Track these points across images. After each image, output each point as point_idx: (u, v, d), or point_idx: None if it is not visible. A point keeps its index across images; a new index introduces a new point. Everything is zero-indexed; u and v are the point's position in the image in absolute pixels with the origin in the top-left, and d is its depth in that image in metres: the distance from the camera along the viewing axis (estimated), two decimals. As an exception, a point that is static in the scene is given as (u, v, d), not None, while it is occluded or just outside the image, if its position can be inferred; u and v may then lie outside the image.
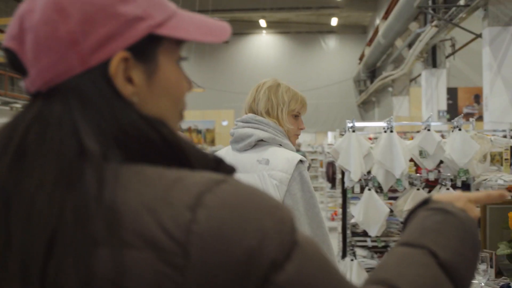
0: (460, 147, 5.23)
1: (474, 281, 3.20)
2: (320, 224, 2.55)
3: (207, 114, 25.64)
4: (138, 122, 0.85)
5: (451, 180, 5.32)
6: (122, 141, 0.84)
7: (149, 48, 0.90)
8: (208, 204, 0.78)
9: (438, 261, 0.96)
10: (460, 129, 5.27)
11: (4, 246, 0.78)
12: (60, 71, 0.85)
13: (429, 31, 13.72)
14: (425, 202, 1.08)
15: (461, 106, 19.55)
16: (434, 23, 13.31)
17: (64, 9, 0.84)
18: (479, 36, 12.15)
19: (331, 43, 30.05)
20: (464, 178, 5.34)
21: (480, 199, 1.13)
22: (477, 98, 19.89)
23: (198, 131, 25.46)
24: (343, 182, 5.59)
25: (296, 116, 2.80)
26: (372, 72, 25.59)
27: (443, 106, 16.49)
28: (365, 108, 28.60)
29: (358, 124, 5.39)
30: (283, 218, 0.81)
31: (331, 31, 29.69)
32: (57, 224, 0.77)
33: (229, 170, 0.90)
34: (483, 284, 3.02)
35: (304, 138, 25.18)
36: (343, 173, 5.57)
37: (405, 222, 1.08)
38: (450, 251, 0.98)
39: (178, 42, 0.95)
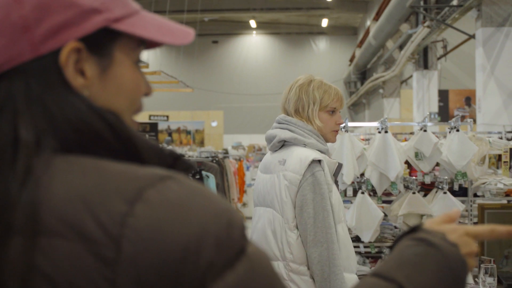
0: (458, 148, 5.01)
1: (479, 294, 2.97)
2: (327, 229, 2.51)
3: (197, 114, 25.38)
4: (86, 113, 0.82)
5: (448, 183, 5.10)
6: (64, 132, 0.81)
7: (105, 42, 0.87)
8: (149, 199, 0.75)
9: None
10: (458, 130, 5.05)
11: None
12: (10, 56, 0.82)
13: (421, 31, 13.54)
14: (413, 230, 1.01)
15: (452, 108, 19.41)
16: (426, 23, 13.13)
17: None
18: (472, 37, 11.98)
19: (321, 44, 29.85)
20: (461, 181, 5.12)
21: (482, 234, 1.03)
22: (468, 101, 19.76)
23: (187, 132, 25.22)
24: (335, 182, 5.36)
25: (333, 112, 2.75)
26: (363, 73, 25.43)
27: (434, 108, 16.33)
28: (355, 110, 28.42)
29: (350, 124, 5.16)
30: (231, 222, 0.76)
31: (321, 32, 29.50)
32: None
33: (186, 167, 0.88)
34: (488, 295, 2.80)
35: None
36: (335, 176, 5.35)
37: (391, 248, 1.02)
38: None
39: (139, 43, 0.92)
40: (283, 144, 2.73)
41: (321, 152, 2.67)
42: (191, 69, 27.55)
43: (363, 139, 7.18)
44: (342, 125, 5.08)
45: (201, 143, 24.41)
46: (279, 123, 2.77)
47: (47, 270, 0.73)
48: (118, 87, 0.89)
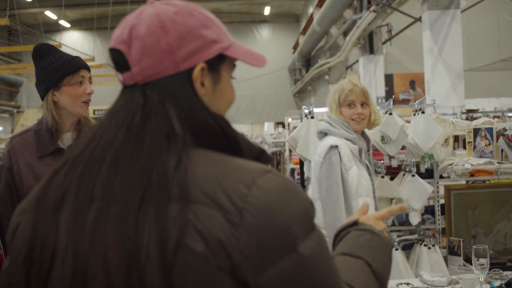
0: (424, 130, 4.98)
1: (471, 276, 2.94)
2: (334, 211, 3.12)
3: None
4: (208, 117, 1.17)
5: (415, 166, 5.07)
6: (195, 130, 1.16)
7: (218, 63, 1.23)
8: (260, 185, 1.10)
9: (371, 270, 1.28)
10: (423, 112, 5.03)
11: (109, 193, 1.12)
12: (157, 71, 1.17)
13: (367, 16, 13.59)
14: (354, 224, 1.42)
15: (397, 92, 19.65)
16: (372, 8, 13.18)
17: (166, 27, 1.18)
18: (418, 20, 12.07)
19: (264, 32, 29.81)
20: (429, 164, 5.10)
21: (385, 215, 1.50)
22: (413, 84, 20.04)
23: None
24: (302, 172, 5.27)
25: (351, 105, 3.37)
26: (307, 60, 25.49)
27: (381, 92, 16.48)
28: (301, 97, 28.50)
29: (316, 110, 5.09)
30: (309, 210, 1.15)
31: (264, 20, 29.46)
32: (147, 183, 1.09)
33: (268, 159, 1.22)
34: (482, 279, 2.75)
35: (240, 129, 24.86)
36: (301, 163, 5.26)
37: (336, 236, 1.43)
38: (379, 263, 1.31)
39: (233, 64, 1.29)
40: (325, 134, 3.42)
41: (348, 139, 3.30)
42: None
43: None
44: (307, 111, 5.01)
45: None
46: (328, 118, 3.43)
47: (196, 224, 1.07)
48: (222, 96, 1.26)
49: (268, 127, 24.75)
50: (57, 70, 2.75)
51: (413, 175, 5.00)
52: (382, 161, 5.07)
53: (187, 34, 1.19)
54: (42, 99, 2.82)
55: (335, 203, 3.12)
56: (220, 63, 1.24)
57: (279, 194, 1.11)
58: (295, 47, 26.71)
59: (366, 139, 3.52)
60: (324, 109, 6.20)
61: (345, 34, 17.07)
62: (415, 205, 4.95)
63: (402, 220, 5.30)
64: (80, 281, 1.11)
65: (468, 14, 13.95)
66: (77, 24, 28.84)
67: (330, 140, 3.25)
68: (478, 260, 2.74)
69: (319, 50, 22.68)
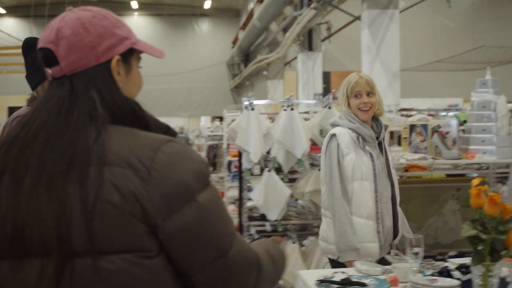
0: (361, 125, 5.07)
1: (405, 265, 3.00)
2: (332, 182, 3.58)
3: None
4: (123, 100, 1.51)
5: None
6: (113, 111, 1.47)
7: (129, 56, 1.57)
8: (164, 150, 1.43)
9: (270, 254, 1.63)
10: (361, 107, 5.11)
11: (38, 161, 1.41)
12: (82, 64, 1.48)
13: (307, 13, 13.68)
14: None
15: (334, 90, 19.83)
16: (313, 5, 13.27)
17: (87, 28, 1.49)
18: (357, 18, 12.22)
19: (204, 26, 29.67)
20: (365, 158, 5.19)
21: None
22: (349, 82, 20.24)
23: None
24: (240, 164, 5.29)
25: (357, 96, 3.61)
26: (246, 56, 25.50)
27: (319, 89, 16.60)
28: (239, 92, 28.51)
29: (256, 102, 5.11)
30: (207, 166, 1.50)
31: (204, 14, 29.32)
32: (72, 154, 1.39)
33: (173, 133, 1.55)
34: (416, 268, 2.82)
35: (176, 123, 24.76)
36: (240, 154, 5.28)
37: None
38: (275, 255, 1.67)
39: (139, 56, 1.62)
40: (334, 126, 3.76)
41: (350, 128, 3.61)
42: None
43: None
44: (247, 103, 5.03)
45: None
46: None
47: (113, 181, 1.37)
48: (134, 82, 1.60)
49: (205, 121, 24.67)
50: None
51: (350, 169, 5.08)
52: (320, 154, 5.14)
53: (104, 33, 1.50)
54: (33, 89, 3.07)
55: (331, 186, 3.58)
56: (130, 56, 1.57)
57: (179, 157, 1.44)
58: (234, 42, 26.68)
59: (380, 126, 3.74)
60: (263, 101, 6.26)
61: (284, 30, 17.13)
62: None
63: (337, 213, 5.38)
64: (19, 237, 1.37)
65: (405, 15, 14.20)
66: (13, 10, 28.12)
67: (332, 130, 3.67)
68: (412, 250, 2.80)
69: (259, 46, 22.72)
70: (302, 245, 5.83)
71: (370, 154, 3.65)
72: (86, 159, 1.38)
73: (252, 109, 4.94)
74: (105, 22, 1.52)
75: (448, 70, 15.61)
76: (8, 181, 1.42)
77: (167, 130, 1.54)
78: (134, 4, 27.42)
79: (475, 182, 2.14)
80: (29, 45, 2.98)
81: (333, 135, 3.64)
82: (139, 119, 1.50)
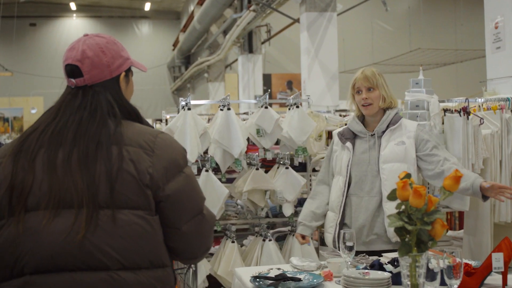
0: (298, 124, 5.12)
1: (338, 259, 3.04)
2: (319, 175, 4.02)
3: (15, 101, 24.08)
4: (128, 104, 2.14)
5: (290, 159, 5.19)
6: (123, 110, 2.10)
7: (128, 71, 2.20)
8: (160, 136, 2.08)
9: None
10: (298, 106, 5.16)
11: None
12: (101, 77, 2.09)
13: (247, 15, 13.74)
14: None
15: (274, 92, 19.97)
16: (252, 7, 13.33)
17: (104, 51, 2.10)
18: (296, 21, 12.33)
19: (144, 28, 29.43)
20: (302, 157, 5.24)
21: None
22: (290, 84, 20.43)
23: (5, 120, 23.87)
24: (178, 164, 5.27)
25: (358, 92, 3.70)
26: (187, 58, 25.43)
27: (259, 91, 16.68)
28: (180, 94, 28.31)
29: (193, 102, 5.09)
30: (184, 153, 2.13)
31: (144, 16, 29.07)
32: (98, 138, 1.98)
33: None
34: (349, 262, 2.86)
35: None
36: (177, 154, 5.26)
37: None
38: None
39: (132, 71, 2.26)
40: None
41: (350, 128, 3.79)
42: (9, 53, 26.06)
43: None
44: (184, 103, 5.00)
45: (20, 131, 23.16)
46: None
47: (129, 156, 1.96)
48: (130, 91, 2.22)
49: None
50: None
51: (286, 168, 5.12)
52: (257, 154, 5.16)
53: (115, 55, 2.13)
54: None
55: (318, 177, 4.02)
56: (129, 71, 2.22)
57: (171, 142, 2.11)
58: (175, 45, 26.56)
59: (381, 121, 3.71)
60: (200, 102, 6.26)
61: (225, 32, 17.16)
62: (289, 197, 5.06)
63: (276, 212, 5.40)
64: (56, 195, 1.92)
65: (344, 18, 14.41)
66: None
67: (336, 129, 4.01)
68: (345, 244, 2.84)
69: (199, 48, 22.69)
70: (242, 245, 5.84)
71: (349, 149, 3.71)
72: (110, 141, 1.98)
73: (189, 109, 4.92)
74: (115, 47, 2.14)
75: (386, 72, 15.78)
76: (43, 155, 1.97)
77: (151, 126, 2.29)
78: (73, 6, 27.02)
79: (402, 175, 2.18)
80: None
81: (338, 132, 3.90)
82: (138, 117, 2.14)
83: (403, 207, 2.14)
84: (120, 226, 1.92)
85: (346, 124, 3.93)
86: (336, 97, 11.32)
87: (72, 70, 2.07)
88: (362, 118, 3.78)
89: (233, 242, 5.19)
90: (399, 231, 2.10)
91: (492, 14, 6.09)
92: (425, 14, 18.59)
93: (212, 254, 5.39)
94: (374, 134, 3.69)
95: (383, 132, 3.69)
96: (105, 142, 1.97)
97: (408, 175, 2.15)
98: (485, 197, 3.44)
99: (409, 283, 2.16)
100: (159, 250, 2.04)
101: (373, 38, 18.75)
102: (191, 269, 5.08)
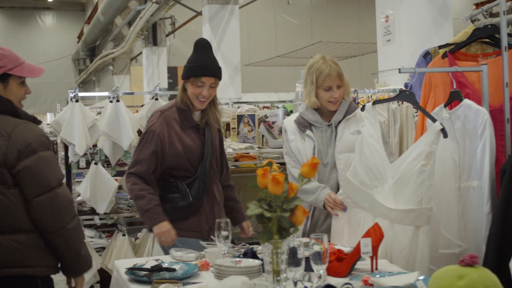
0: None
1: (215, 249, 3.05)
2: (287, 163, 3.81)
3: None
4: (5, 101, 2.81)
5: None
6: (2, 107, 2.79)
7: (5, 77, 2.84)
8: (19, 126, 2.74)
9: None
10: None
11: None
12: None
13: (150, 7, 13.60)
14: None
15: (181, 84, 19.84)
16: (155, -1, 13.21)
17: None
18: (199, 13, 12.29)
19: (47, 20, 28.59)
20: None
21: None
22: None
23: None
24: (66, 157, 5.15)
25: (328, 89, 3.55)
26: (92, 50, 24.91)
27: (164, 84, 16.55)
28: (85, 87, 27.77)
29: (81, 94, 5.00)
30: (43, 139, 2.79)
31: (48, 7, 28.26)
32: None
33: (38, 122, 2.93)
34: (225, 251, 2.88)
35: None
36: (66, 147, 5.14)
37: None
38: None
39: (20, 76, 2.90)
40: None
41: (304, 117, 3.66)
42: None
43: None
44: (72, 95, 4.91)
45: None
46: None
47: None
48: (12, 93, 2.86)
49: (50, 117, 23.81)
50: (191, 69, 3.59)
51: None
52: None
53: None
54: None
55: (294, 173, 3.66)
56: (7, 77, 2.83)
57: (28, 129, 2.71)
58: (79, 37, 25.96)
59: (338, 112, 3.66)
60: (91, 94, 6.15)
61: (129, 24, 16.92)
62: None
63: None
64: None
65: (248, 11, 14.47)
66: None
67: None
68: (220, 234, 2.85)
69: (104, 40, 22.28)
70: (137, 238, 5.78)
71: (311, 137, 3.60)
72: None
73: (77, 100, 4.84)
74: None
75: (290, 65, 16.07)
76: None
77: (34, 119, 2.88)
78: (-29, -4, 25.99)
79: (264, 162, 2.21)
80: (197, 44, 3.69)
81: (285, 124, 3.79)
82: (14, 112, 2.77)
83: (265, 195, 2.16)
84: None
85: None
86: (239, 89, 11.36)
87: None
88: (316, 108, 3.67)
89: (124, 235, 5.14)
90: (260, 218, 2.12)
91: (383, 7, 6.27)
92: (328, 8, 18.91)
93: (104, 248, 5.32)
94: (331, 124, 3.63)
95: (339, 121, 3.63)
96: None
97: (269, 163, 2.18)
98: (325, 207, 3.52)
99: (271, 269, 2.19)
100: (19, 217, 2.65)
101: (276, 31, 18.92)
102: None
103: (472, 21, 4.77)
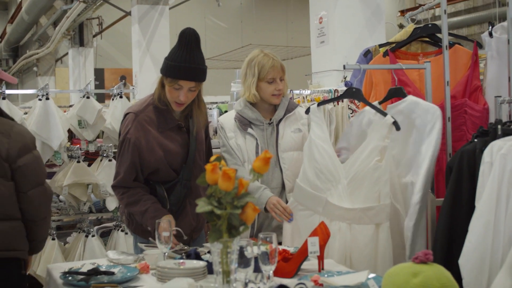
0: (121, 115, 4.94)
1: (155, 251, 2.94)
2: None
3: None
4: None
5: (114, 151, 5.02)
6: None
7: None
8: (17, 125, 3.19)
9: None
10: (121, 97, 4.99)
11: None
12: None
13: (77, 7, 13.27)
14: None
15: (108, 87, 19.48)
16: (82, -1, 12.89)
17: None
18: (128, 14, 12.08)
19: (-33, 18, 27.65)
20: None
21: None
22: (123, 79, 20.03)
23: None
24: None
25: (271, 82, 3.49)
26: (15, 50, 24.17)
27: (91, 86, 16.18)
28: (8, 89, 26.96)
29: (9, 91, 4.77)
30: (34, 140, 3.21)
31: (-33, 6, 27.33)
32: None
33: (12, 120, 3.26)
34: (166, 252, 2.77)
35: None
36: None
37: None
38: None
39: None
40: None
41: (237, 112, 3.59)
42: None
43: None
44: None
45: None
46: None
47: None
48: None
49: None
50: (168, 67, 3.21)
51: (110, 160, 4.95)
52: (78, 146, 4.94)
53: None
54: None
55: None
56: None
57: (24, 130, 3.15)
58: (2, 36, 25.15)
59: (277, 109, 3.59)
60: (16, 91, 5.91)
61: (55, 24, 16.48)
62: (111, 190, 4.89)
63: (100, 207, 5.22)
64: None
65: (178, 12, 14.32)
66: None
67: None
68: (161, 235, 2.75)
69: (28, 40, 21.65)
70: (66, 243, 5.58)
71: (253, 135, 3.51)
72: None
73: (4, 98, 4.62)
74: None
75: (219, 68, 16.01)
76: None
77: (12, 120, 3.18)
78: None
79: (212, 158, 2.11)
80: (181, 37, 3.30)
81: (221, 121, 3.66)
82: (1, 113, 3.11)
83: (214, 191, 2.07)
84: None
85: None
86: (168, 90, 11.20)
87: None
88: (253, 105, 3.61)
89: (53, 239, 4.94)
90: (209, 216, 2.03)
91: (317, 9, 6.25)
92: (257, 11, 18.93)
93: (31, 253, 5.10)
94: (272, 122, 3.56)
95: (280, 119, 3.57)
96: None
97: (218, 158, 2.08)
98: (266, 210, 3.43)
99: (220, 270, 2.09)
100: (11, 207, 3.00)
101: (206, 33, 18.77)
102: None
103: (412, 21, 4.81)
